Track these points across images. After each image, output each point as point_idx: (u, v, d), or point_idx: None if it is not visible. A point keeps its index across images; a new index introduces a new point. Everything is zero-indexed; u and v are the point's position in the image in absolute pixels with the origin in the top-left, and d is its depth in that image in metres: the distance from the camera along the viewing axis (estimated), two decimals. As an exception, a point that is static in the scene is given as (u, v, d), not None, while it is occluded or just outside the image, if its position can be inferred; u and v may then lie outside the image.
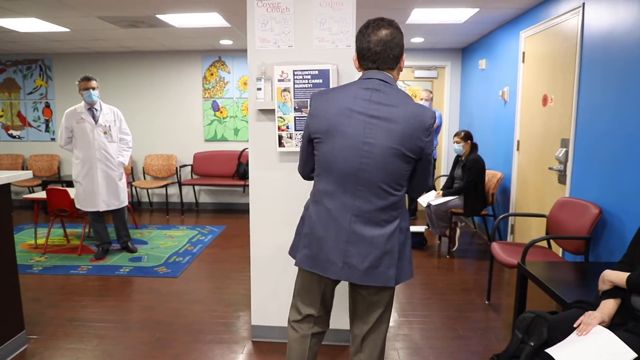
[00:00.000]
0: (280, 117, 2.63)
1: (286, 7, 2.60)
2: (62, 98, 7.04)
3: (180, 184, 6.90)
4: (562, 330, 1.88)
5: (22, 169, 7.14)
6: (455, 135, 4.73)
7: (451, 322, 3.18)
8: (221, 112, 6.92)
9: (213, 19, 4.60)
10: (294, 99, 2.59)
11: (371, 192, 1.64)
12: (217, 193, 7.12)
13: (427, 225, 5.24)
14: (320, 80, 2.55)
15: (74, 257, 4.60)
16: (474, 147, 4.67)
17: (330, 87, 2.54)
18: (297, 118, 2.61)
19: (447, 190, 4.75)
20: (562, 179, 3.59)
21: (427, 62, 6.61)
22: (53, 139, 7.15)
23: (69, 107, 4.42)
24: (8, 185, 2.66)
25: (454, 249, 4.82)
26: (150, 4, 4.04)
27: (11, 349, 2.72)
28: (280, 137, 2.66)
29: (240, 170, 6.70)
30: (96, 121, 4.30)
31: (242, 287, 3.75)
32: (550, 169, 3.71)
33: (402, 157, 1.61)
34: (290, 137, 2.64)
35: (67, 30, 5.12)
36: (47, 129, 7.15)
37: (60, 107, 6.97)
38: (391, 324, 3.16)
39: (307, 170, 1.87)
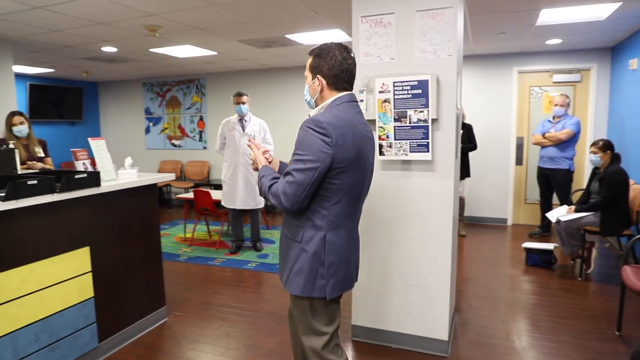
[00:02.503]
0: (381, 127, 2.74)
1: (389, 21, 2.71)
2: (213, 111, 8.05)
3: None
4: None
5: (180, 174, 8.35)
6: (592, 145, 4.27)
7: (566, 348, 2.92)
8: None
9: (336, 35, 4.89)
10: (394, 109, 2.68)
11: (362, 202, 1.88)
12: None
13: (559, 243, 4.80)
14: (420, 91, 2.60)
15: (213, 250, 5.27)
16: (615, 158, 4.16)
17: (430, 97, 2.58)
18: (396, 128, 2.70)
19: (581, 205, 4.31)
20: None
21: (567, 65, 6.05)
22: (205, 148, 8.21)
23: (220, 119, 5.16)
24: (155, 185, 3.23)
25: (589, 271, 4.35)
26: (279, 26, 4.49)
27: (154, 320, 3.30)
28: (380, 146, 2.77)
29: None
30: (244, 130, 4.91)
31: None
32: None
33: None
34: (390, 146, 2.74)
35: (215, 53, 5.91)
36: (200, 139, 8.25)
37: (212, 119, 8.01)
38: (494, 340, 3.04)
39: (304, 203, 1.68)
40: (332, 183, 1.67)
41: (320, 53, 1.75)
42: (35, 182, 2.34)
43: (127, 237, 3.02)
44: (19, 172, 3.43)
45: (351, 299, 3.08)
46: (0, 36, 4.77)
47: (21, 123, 4.17)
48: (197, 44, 5.33)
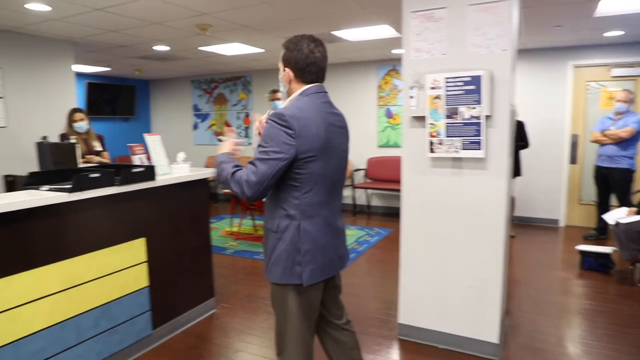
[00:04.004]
0: (432, 124, 2.70)
1: (440, 16, 2.66)
2: (259, 108, 8.19)
3: (353, 187, 7.35)
4: None
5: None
6: (655, 143, 4.04)
7: (624, 357, 2.78)
8: (394, 119, 7.15)
9: (384, 31, 4.84)
10: (445, 105, 2.63)
11: (341, 190, 1.93)
12: (388, 197, 7.37)
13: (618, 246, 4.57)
14: (473, 87, 2.54)
15: (258, 244, 5.36)
16: (681, 157, 3.92)
17: (483, 93, 2.51)
18: (448, 124, 2.65)
19: (643, 206, 4.09)
20: None
21: (627, 59, 5.73)
22: (250, 144, 8.35)
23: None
24: (206, 179, 3.33)
25: (650, 276, 4.12)
26: (326, 22, 4.50)
27: (204, 310, 3.40)
28: (431, 143, 2.73)
29: (409, 175, 6.81)
30: None
31: (396, 288, 3.87)
32: None
33: None
34: (441, 144, 2.69)
35: (262, 50, 5.99)
36: (246, 135, 8.40)
37: (258, 116, 8.14)
38: (546, 346, 2.93)
39: (267, 191, 1.71)
40: (300, 173, 1.72)
41: (289, 45, 1.80)
42: (97, 175, 2.47)
43: (179, 229, 3.12)
44: (80, 165, 3.62)
45: (397, 297, 3.06)
46: (63, 38, 5.04)
47: (81, 119, 4.38)
48: (245, 41, 5.42)
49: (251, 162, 1.70)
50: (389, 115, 7.18)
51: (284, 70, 1.82)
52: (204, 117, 8.90)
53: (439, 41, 2.70)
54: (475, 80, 2.53)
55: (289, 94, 1.86)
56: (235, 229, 5.99)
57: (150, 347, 2.92)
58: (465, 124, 2.59)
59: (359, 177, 7.50)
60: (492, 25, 2.54)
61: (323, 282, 1.87)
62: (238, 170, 1.73)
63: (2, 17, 4.11)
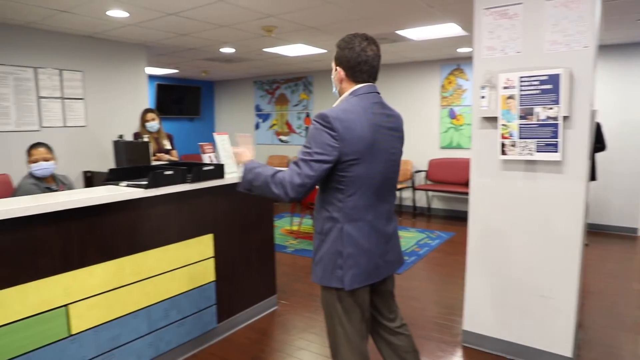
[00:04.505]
0: (504, 125, 2.59)
1: (515, 12, 2.55)
2: (319, 108, 8.24)
3: (414, 189, 7.22)
4: None
5: (286, 167, 8.69)
6: None
7: None
8: (457, 120, 6.95)
9: (450, 29, 4.72)
10: (519, 106, 2.52)
11: (391, 194, 1.87)
12: (450, 200, 7.18)
13: None
14: (550, 86, 2.41)
15: (317, 244, 5.39)
16: None
17: (561, 93, 2.38)
18: (521, 126, 2.53)
19: None
20: None
21: None
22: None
23: None
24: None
25: None
26: (391, 22, 4.44)
27: (266, 307, 3.47)
28: (502, 145, 2.62)
29: (472, 178, 6.60)
30: None
31: (460, 293, 3.76)
32: None
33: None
34: (514, 145, 2.58)
35: (325, 51, 6.02)
36: (306, 135, 8.48)
37: (318, 116, 8.20)
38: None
39: (309, 192, 1.69)
40: (343, 176, 1.69)
41: (341, 44, 1.78)
42: (171, 172, 2.58)
43: (245, 226, 3.20)
44: (151, 163, 3.81)
45: (460, 302, 2.96)
46: (138, 42, 5.32)
47: (153, 119, 4.61)
48: (308, 42, 5.47)
49: (295, 163, 1.69)
50: (452, 115, 6.99)
51: (336, 69, 1.81)
52: (265, 117, 9.09)
53: (513, 39, 2.58)
54: (553, 79, 2.40)
55: (340, 93, 1.84)
56: (295, 228, 6.06)
57: (214, 340, 3.01)
58: (541, 125, 2.47)
59: (420, 179, 7.35)
60: (572, 20, 2.40)
61: (370, 285, 1.83)
62: (279, 172, 1.73)
63: (85, 24, 4.41)
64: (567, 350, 2.60)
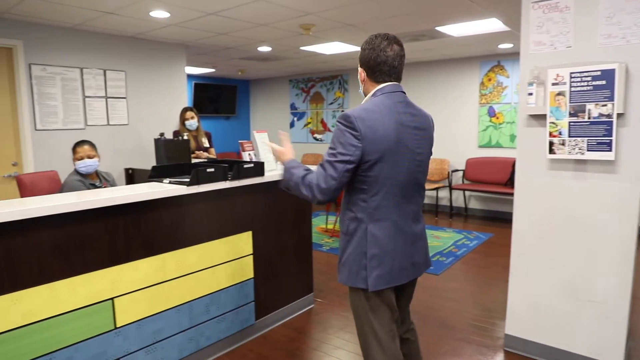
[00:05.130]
0: (552, 123, 2.50)
1: (566, 5, 2.45)
2: (355, 106, 8.16)
3: (451, 188, 7.08)
4: None
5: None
6: None
7: None
8: (497, 118, 6.77)
9: (491, 25, 4.59)
10: (570, 103, 2.42)
11: (419, 195, 1.83)
12: (488, 200, 7.00)
13: None
14: (603, 82, 2.30)
15: (353, 243, 5.36)
16: None
17: (616, 89, 2.27)
18: (571, 123, 2.43)
19: None
20: None
21: None
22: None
23: None
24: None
25: None
26: (430, 18, 4.36)
27: (303, 305, 3.48)
28: (551, 144, 2.53)
29: (514, 178, 6.41)
30: None
31: (500, 296, 3.67)
32: None
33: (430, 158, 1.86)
34: (563, 144, 2.48)
35: (362, 48, 5.97)
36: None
37: (353, 114, 8.16)
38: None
39: (337, 193, 1.70)
40: (367, 175, 1.68)
41: (363, 45, 1.78)
42: (212, 170, 2.61)
43: (283, 224, 3.21)
44: (191, 161, 3.87)
45: (501, 305, 2.88)
46: (178, 42, 5.43)
47: (192, 117, 4.68)
48: (345, 40, 5.44)
49: (321, 165, 1.70)
50: (492, 113, 6.81)
51: (360, 70, 1.82)
52: (300, 115, 9.12)
53: (564, 33, 2.48)
54: (607, 75, 2.29)
55: (364, 93, 1.85)
56: (330, 227, 6.05)
57: (252, 336, 3.03)
58: (593, 123, 2.36)
59: (457, 178, 7.21)
60: (629, 12, 2.28)
61: (394, 287, 1.80)
62: (309, 173, 1.74)
63: (129, 25, 4.52)
64: (617, 359, 2.48)
